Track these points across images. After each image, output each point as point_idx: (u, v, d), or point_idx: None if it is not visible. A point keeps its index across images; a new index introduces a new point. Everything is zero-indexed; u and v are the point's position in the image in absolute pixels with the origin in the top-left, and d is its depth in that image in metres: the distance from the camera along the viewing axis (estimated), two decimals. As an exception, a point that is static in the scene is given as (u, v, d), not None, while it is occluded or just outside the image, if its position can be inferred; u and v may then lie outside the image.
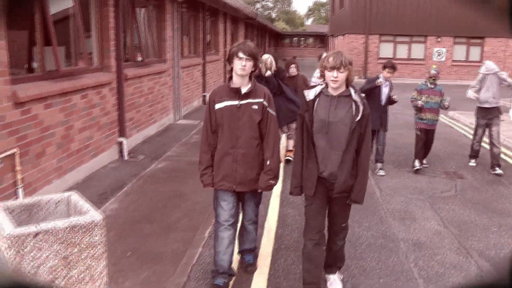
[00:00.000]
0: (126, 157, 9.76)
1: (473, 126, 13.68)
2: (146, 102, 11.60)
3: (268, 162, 4.69)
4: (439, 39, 33.08)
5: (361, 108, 4.30)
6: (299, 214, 6.68)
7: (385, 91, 9.11)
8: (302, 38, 77.68)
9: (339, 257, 4.95)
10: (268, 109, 4.69)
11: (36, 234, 2.84)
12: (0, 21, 5.83)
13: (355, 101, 4.31)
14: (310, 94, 4.45)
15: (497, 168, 9.47)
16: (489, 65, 9.78)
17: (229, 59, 4.62)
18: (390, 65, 9.13)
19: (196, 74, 17.22)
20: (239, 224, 5.08)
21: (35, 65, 7.24)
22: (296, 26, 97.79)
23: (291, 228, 6.46)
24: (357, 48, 33.81)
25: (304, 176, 4.49)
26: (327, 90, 4.38)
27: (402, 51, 33.44)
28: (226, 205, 4.80)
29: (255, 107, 4.63)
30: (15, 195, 6.28)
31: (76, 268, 3.03)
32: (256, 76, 5.84)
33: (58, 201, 3.47)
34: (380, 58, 32.19)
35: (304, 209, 4.68)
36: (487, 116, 9.65)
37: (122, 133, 9.80)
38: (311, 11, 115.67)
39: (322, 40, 70.94)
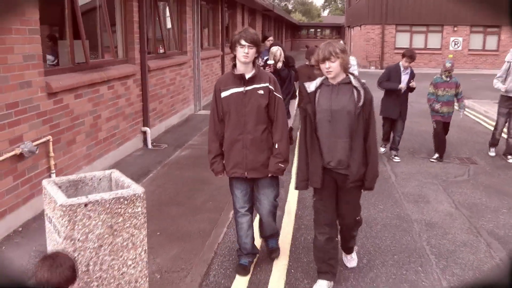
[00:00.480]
0: (150, 146, 10.14)
1: (488, 114, 13.92)
2: (168, 93, 11.98)
3: (276, 146, 4.73)
4: (455, 29, 33.16)
5: (362, 93, 4.34)
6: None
7: (404, 78, 9.26)
8: (319, 30, 77.67)
9: (353, 244, 5.14)
10: (274, 93, 4.72)
11: (86, 204, 3.21)
12: (34, 16, 6.25)
13: (355, 87, 4.36)
14: (311, 86, 4.50)
15: (509, 157, 9.64)
16: None
17: (232, 47, 4.68)
18: (409, 55, 9.21)
19: (215, 66, 17.58)
20: (257, 217, 5.33)
21: (65, 57, 7.62)
22: (312, 17, 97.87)
23: (310, 210, 6.78)
24: (374, 38, 33.99)
25: (310, 170, 4.52)
26: (327, 81, 4.45)
27: (418, 41, 33.53)
28: (240, 192, 4.93)
29: (261, 91, 4.68)
30: (49, 180, 6.67)
31: (120, 236, 3.40)
32: (273, 71, 6.16)
33: (101, 178, 3.85)
34: (396, 48, 32.36)
35: (312, 203, 4.81)
36: (510, 105, 9.57)
37: (146, 123, 10.19)
38: (328, 2, 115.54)
39: (338, 31, 70.94)
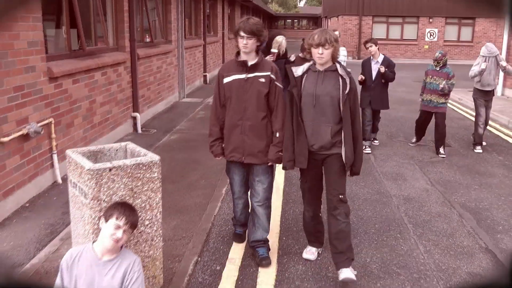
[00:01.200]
0: (139, 131, 10.56)
1: (462, 101, 14.53)
2: (155, 80, 12.38)
3: (277, 134, 4.83)
4: (431, 20, 33.92)
5: (347, 81, 4.50)
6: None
7: (374, 67, 9.32)
8: (296, 20, 78.06)
9: (345, 241, 4.71)
10: (275, 82, 4.84)
11: (111, 169, 3.66)
12: (37, 5, 6.63)
13: (341, 75, 4.52)
14: (298, 71, 4.65)
15: (478, 147, 9.68)
16: (491, 48, 9.72)
17: (235, 36, 4.86)
18: (367, 40, 9.59)
19: (198, 55, 17.98)
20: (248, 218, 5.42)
21: (62, 44, 8.00)
22: (289, 8, 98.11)
23: (297, 187, 7.27)
24: (351, 29, 34.60)
25: (296, 151, 4.67)
26: (315, 67, 4.61)
27: (395, 32, 34.26)
28: (237, 176, 5.14)
29: (262, 80, 4.78)
30: (51, 160, 7.08)
31: (139, 198, 3.86)
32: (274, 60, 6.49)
33: (117, 149, 4.29)
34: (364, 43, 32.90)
35: (300, 184, 5.10)
36: (485, 97, 9.73)
37: (135, 108, 10.60)
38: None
39: (315, 21, 71.41)
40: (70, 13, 7.99)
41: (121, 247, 3.48)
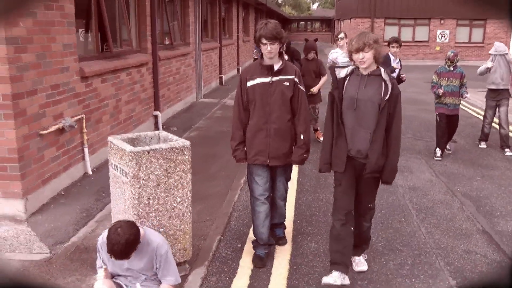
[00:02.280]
0: (160, 128, 11.14)
1: (470, 101, 14.97)
2: (174, 81, 12.99)
3: (302, 137, 4.88)
4: (442, 22, 34.38)
5: (389, 86, 4.37)
6: (316, 168, 8.06)
7: (395, 66, 9.37)
8: (309, 23, 78.64)
9: (364, 238, 5.02)
10: (299, 85, 4.88)
11: (148, 152, 4.24)
12: (70, 11, 7.24)
13: (384, 80, 4.39)
14: (341, 73, 4.56)
15: (507, 150, 9.64)
16: (498, 46, 9.84)
17: (256, 43, 4.83)
18: (393, 39, 9.47)
19: (214, 57, 18.58)
20: None
21: (92, 46, 8.62)
22: (302, 11, 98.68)
23: (310, 178, 7.87)
24: (363, 31, 35.04)
25: (334, 153, 4.57)
26: (358, 70, 4.50)
27: (406, 34, 34.68)
28: (260, 179, 5.04)
29: (287, 83, 4.80)
30: (82, 153, 7.68)
31: (172, 177, 4.43)
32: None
33: (152, 137, 4.88)
34: (385, 41, 33.31)
35: (333, 189, 4.86)
36: (496, 97, 9.74)
37: (157, 107, 11.20)
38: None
39: (328, 24, 71.95)
40: (98, 17, 8.60)
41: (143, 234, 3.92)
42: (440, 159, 9.16)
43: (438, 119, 9.19)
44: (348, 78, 4.53)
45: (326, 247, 5.47)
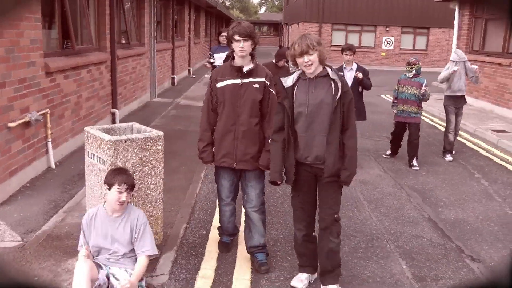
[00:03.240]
0: (118, 126, 11.35)
1: (427, 109, 15.52)
2: (131, 80, 13.20)
3: (270, 141, 4.68)
4: (387, 29, 35.49)
5: (339, 85, 4.22)
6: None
7: (349, 75, 8.84)
8: (257, 26, 79.02)
9: (335, 260, 4.63)
10: (269, 89, 4.80)
11: (125, 141, 4.55)
12: (37, 7, 7.44)
13: (333, 80, 4.25)
14: (288, 81, 4.36)
15: (448, 155, 9.68)
16: (461, 53, 9.73)
17: (228, 43, 4.81)
18: (347, 47, 8.95)
19: (167, 58, 18.82)
20: (243, 215, 5.59)
21: (55, 43, 8.80)
22: (250, 14, 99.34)
23: (266, 173, 8.23)
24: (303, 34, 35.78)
25: (285, 166, 4.43)
26: (304, 75, 4.33)
27: (353, 40, 35.53)
28: (227, 182, 5.05)
29: (257, 86, 4.74)
30: (46, 147, 7.86)
31: (147, 166, 4.74)
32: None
33: (125, 128, 5.17)
34: (332, 46, 34.22)
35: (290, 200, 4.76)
36: (456, 104, 9.67)
37: (114, 105, 11.41)
38: (264, 0, 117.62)
39: (276, 28, 72.82)
40: (61, 14, 8.79)
41: (127, 203, 4.31)
42: (388, 157, 9.62)
43: (394, 127, 9.38)
44: (297, 85, 4.35)
45: (286, 234, 5.87)
